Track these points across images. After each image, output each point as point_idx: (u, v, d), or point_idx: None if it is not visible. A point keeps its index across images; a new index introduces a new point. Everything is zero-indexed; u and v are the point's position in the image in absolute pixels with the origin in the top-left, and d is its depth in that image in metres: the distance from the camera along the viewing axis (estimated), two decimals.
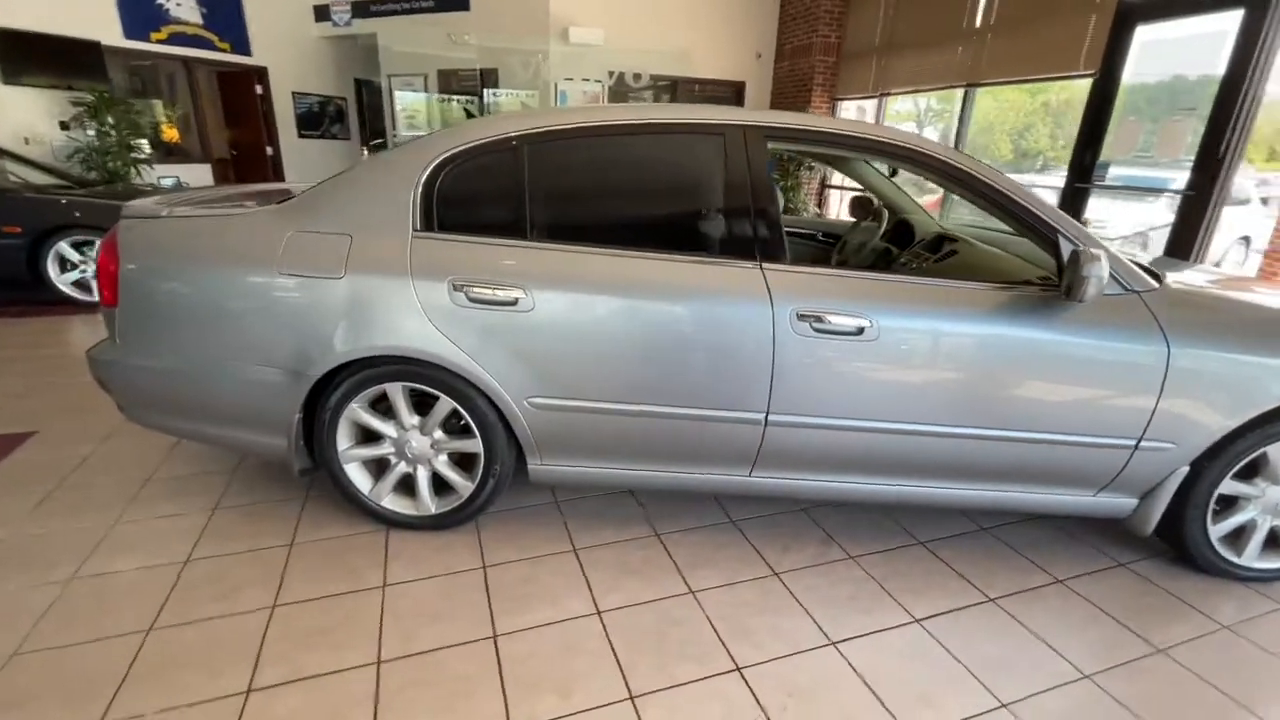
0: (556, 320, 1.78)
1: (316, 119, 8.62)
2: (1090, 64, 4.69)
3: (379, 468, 2.07)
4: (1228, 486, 1.90)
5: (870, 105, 7.13)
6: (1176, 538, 1.99)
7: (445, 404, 1.90)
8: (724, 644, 1.67)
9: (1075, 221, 1.80)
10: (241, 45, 7.60)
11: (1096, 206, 5.23)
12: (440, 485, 2.07)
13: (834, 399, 1.81)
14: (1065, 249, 1.73)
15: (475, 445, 1.95)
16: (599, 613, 1.76)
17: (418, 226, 1.82)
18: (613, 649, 1.63)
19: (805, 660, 1.63)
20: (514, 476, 2.03)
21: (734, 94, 8.17)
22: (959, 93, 6.01)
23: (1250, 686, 1.60)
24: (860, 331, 1.74)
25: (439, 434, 1.97)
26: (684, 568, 1.96)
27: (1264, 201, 6.99)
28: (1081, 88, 4.88)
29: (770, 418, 1.83)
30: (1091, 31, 4.63)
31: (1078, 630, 1.78)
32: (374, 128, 9.30)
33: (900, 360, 1.77)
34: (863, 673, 1.59)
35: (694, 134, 1.86)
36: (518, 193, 1.85)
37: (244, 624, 1.67)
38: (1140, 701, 1.54)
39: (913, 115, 8.52)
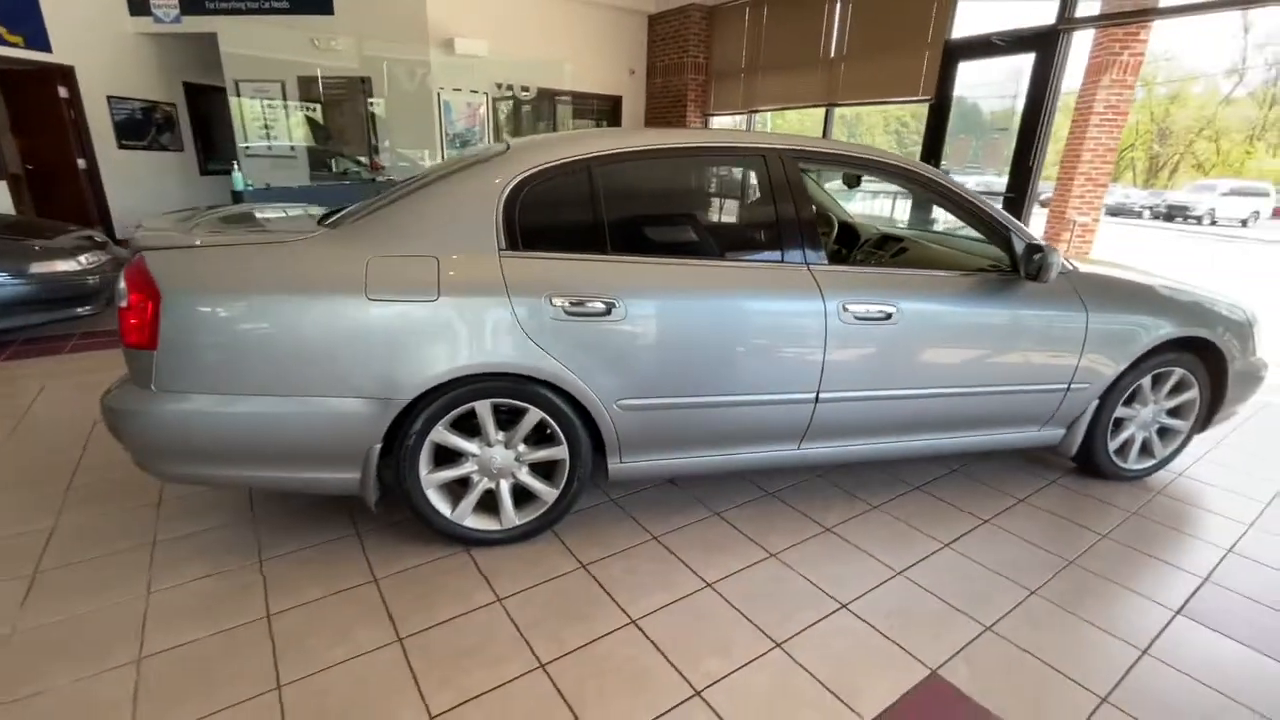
0: (646, 325, 1.94)
1: (140, 128, 7.45)
2: (927, 91, 5.72)
3: (452, 489, 2.06)
4: (1119, 411, 2.59)
5: (741, 120, 7.87)
6: (1085, 454, 2.65)
7: (534, 415, 1.96)
8: (822, 590, 1.95)
9: (1020, 223, 2.35)
10: (38, 39, 6.36)
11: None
12: (519, 498, 2.11)
13: (867, 374, 2.18)
14: (1017, 244, 2.27)
15: (561, 452, 2.04)
16: (709, 585, 1.96)
17: (503, 246, 1.87)
18: (739, 611, 1.84)
19: (887, 589, 1.97)
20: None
21: (611, 108, 8.52)
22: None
23: (1164, 548, 2.25)
24: (888, 317, 2.13)
25: (522, 446, 2.03)
26: (754, 537, 2.22)
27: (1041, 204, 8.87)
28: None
29: (820, 395, 2.15)
30: (926, 65, 5.65)
31: (1050, 532, 2.33)
32: (210, 138, 8.27)
33: (915, 337, 2.19)
34: (929, 589, 1.98)
35: (742, 156, 2.13)
36: (594, 209, 1.98)
37: (381, 660, 1.62)
38: (1109, 570, 2.10)
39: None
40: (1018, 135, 5.17)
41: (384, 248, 1.81)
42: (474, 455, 1.99)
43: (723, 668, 1.64)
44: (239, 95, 7.14)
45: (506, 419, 1.99)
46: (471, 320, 1.82)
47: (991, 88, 5.48)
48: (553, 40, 7.56)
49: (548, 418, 1.98)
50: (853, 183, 3.25)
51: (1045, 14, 4.81)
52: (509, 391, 1.92)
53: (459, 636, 1.72)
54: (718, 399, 2.06)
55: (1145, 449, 2.73)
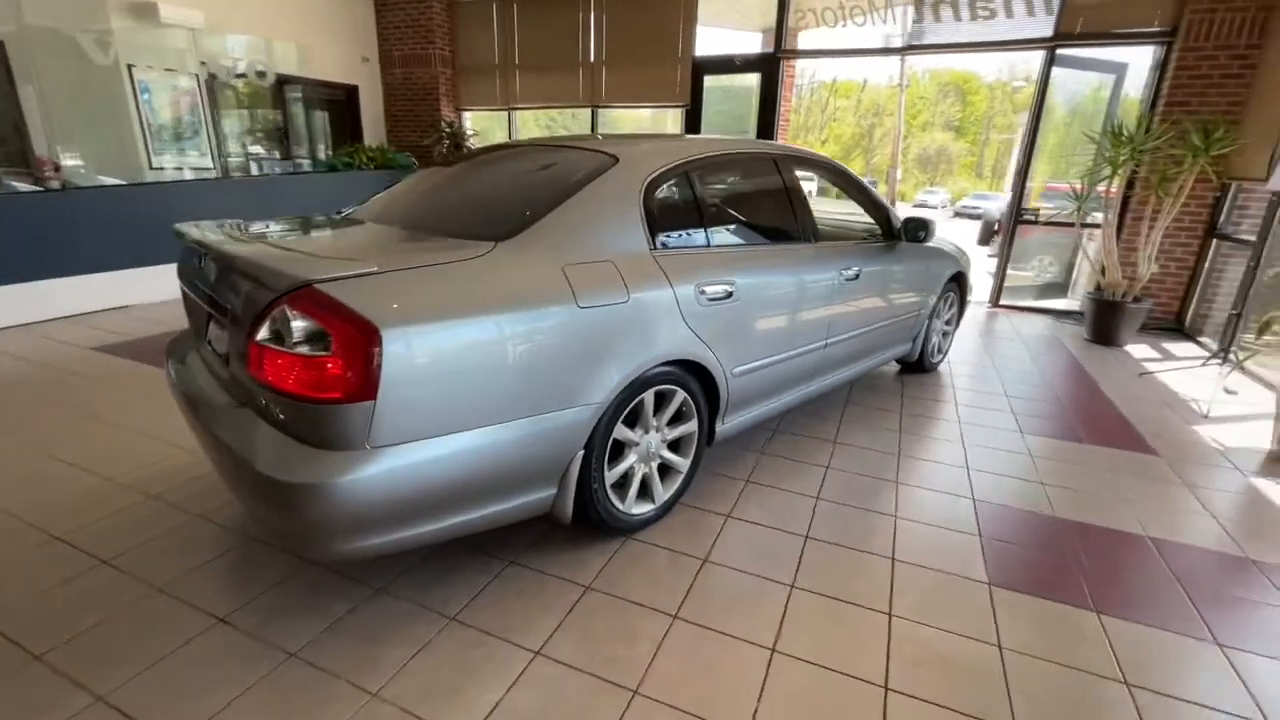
0: (752, 301, 2.32)
1: None
2: (682, 98, 6.80)
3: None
4: (931, 326, 3.91)
5: (500, 117, 7.93)
6: (919, 359, 3.93)
7: (680, 397, 2.17)
8: (881, 478, 2.67)
9: (889, 203, 3.38)
10: None
11: None
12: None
13: (846, 321, 2.94)
14: (894, 218, 3.29)
15: (693, 425, 2.28)
16: (818, 498, 2.49)
17: (651, 245, 2.03)
18: (854, 506, 2.43)
19: (907, 466, 2.79)
20: None
21: (346, 96, 7.61)
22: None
23: (987, 398, 3.60)
24: (857, 276, 2.91)
25: (665, 428, 2.21)
26: (804, 459, 2.81)
27: None
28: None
29: (828, 340, 2.83)
30: (679, 75, 6.71)
31: (938, 406, 3.48)
32: None
33: (866, 289, 3.03)
34: (927, 458, 2.87)
35: (766, 160, 2.61)
36: (697, 205, 2.25)
37: (683, 637, 1.73)
38: (983, 420, 3.32)
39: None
40: (757, 135, 6.62)
41: (566, 256, 1.81)
42: (635, 445, 2.10)
43: (886, 544, 2.21)
44: None
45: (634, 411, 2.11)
46: (654, 316, 1.95)
47: (734, 98, 6.86)
48: (276, 18, 6.40)
49: (687, 396, 2.20)
50: None
51: (768, 43, 6.27)
52: (664, 378, 2.09)
53: (715, 594, 1.91)
54: (785, 354, 2.57)
55: (939, 348, 4.17)
